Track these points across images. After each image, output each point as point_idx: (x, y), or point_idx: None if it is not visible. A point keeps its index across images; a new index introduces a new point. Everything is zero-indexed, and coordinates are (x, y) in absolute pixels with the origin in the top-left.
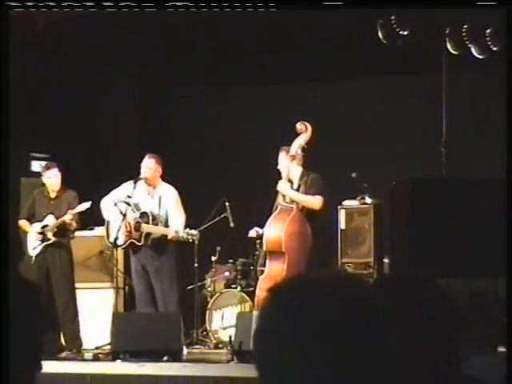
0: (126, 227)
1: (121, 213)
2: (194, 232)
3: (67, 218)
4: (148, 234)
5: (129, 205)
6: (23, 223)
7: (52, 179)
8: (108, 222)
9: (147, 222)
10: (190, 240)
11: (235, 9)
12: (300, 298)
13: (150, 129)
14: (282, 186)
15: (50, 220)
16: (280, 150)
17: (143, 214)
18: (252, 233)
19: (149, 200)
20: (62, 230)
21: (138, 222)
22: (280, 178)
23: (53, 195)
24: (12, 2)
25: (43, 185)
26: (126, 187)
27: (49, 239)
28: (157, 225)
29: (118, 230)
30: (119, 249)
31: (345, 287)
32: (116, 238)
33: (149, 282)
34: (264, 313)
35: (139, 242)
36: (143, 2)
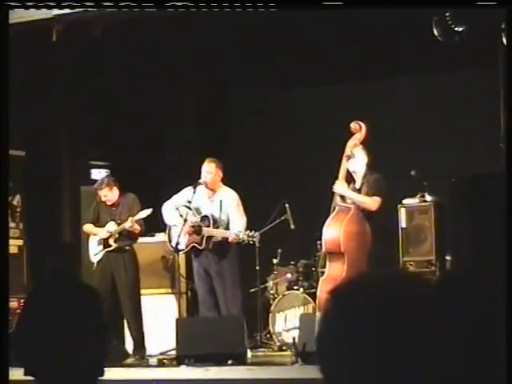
0: (188, 231)
1: (181, 217)
2: (254, 234)
3: (127, 225)
4: (209, 238)
5: (190, 209)
6: (89, 227)
7: (104, 198)
8: (169, 227)
9: (208, 226)
10: (251, 242)
11: (235, 9)
12: (363, 299)
13: (210, 133)
14: (338, 187)
15: (111, 226)
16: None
17: (204, 218)
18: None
19: (209, 204)
20: (124, 236)
21: (199, 226)
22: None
23: (111, 204)
24: (12, 2)
25: None
26: (187, 192)
27: (110, 245)
28: (217, 228)
29: (179, 235)
30: (181, 254)
31: (408, 287)
32: (177, 243)
33: (211, 286)
34: (327, 314)
35: (200, 245)
36: (143, 2)
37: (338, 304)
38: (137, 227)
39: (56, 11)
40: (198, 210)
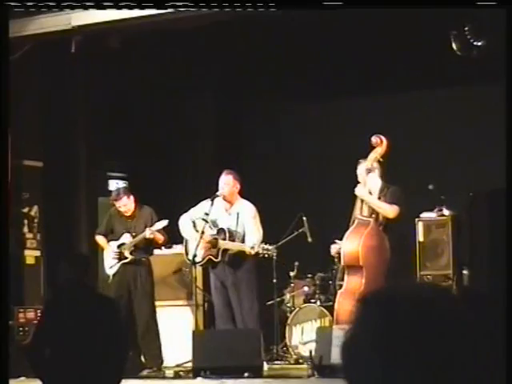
0: (204, 244)
1: (197, 230)
2: (269, 247)
3: (147, 233)
4: (225, 250)
5: (206, 222)
6: (100, 239)
7: (122, 208)
8: (187, 240)
9: (224, 239)
10: (266, 255)
11: (235, 9)
12: (386, 312)
13: (228, 145)
14: (360, 190)
15: (127, 238)
16: (358, 163)
17: (220, 231)
18: (333, 249)
19: (226, 216)
20: (141, 248)
21: (215, 239)
22: None
23: (128, 214)
24: (12, 1)
25: None
26: (204, 204)
27: (126, 257)
28: (233, 241)
29: (196, 247)
30: (198, 266)
31: (430, 299)
32: (194, 256)
33: (228, 298)
34: (352, 328)
35: (216, 258)
36: (143, 2)
37: (364, 317)
38: (160, 236)
39: (74, 22)
40: (214, 223)
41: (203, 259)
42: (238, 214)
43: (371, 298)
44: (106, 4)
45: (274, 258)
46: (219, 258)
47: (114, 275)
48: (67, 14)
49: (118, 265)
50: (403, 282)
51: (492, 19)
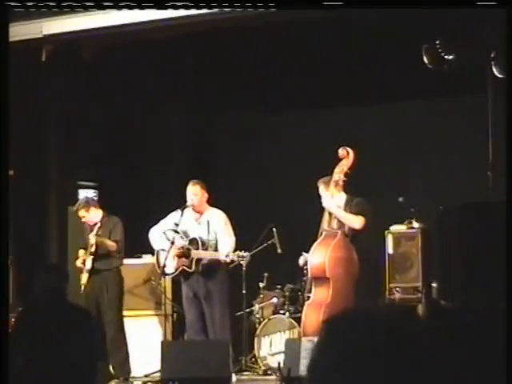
0: (176, 254)
1: (168, 240)
2: (244, 254)
3: (91, 241)
4: (198, 260)
5: (177, 232)
6: (80, 252)
7: (86, 217)
8: (157, 252)
9: (197, 248)
10: (241, 262)
11: (235, 9)
12: (353, 331)
13: (198, 156)
14: (328, 203)
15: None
16: (318, 183)
17: (192, 241)
18: (301, 261)
19: (196, 226)
20: (102, 258)
21: (188, 249)
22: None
23: (95, 225)
24: (12, 1)
25: None
26: (174, 215)
27: (87, 266)
28: (206, 250)
29: (166, 258)
30: (169, 277)
31: (395, 320)
32: (164, 266)
33: (200, 309)
34: (322, 345)
35: (190, 268)
36: (143, 2)
37: (332, 335)
38: (110, 243)
39: (46, 31)
40: (185, 233)
41: (176, 270)
42: (208, 222)
43: (337, 318)
44: (105, 4)
45: (244, 264)
46: (193, 268)
47: (84, 286)
48: (39, 23)
49: (85, 275)
50: (369, 302)
51: (462, 33)
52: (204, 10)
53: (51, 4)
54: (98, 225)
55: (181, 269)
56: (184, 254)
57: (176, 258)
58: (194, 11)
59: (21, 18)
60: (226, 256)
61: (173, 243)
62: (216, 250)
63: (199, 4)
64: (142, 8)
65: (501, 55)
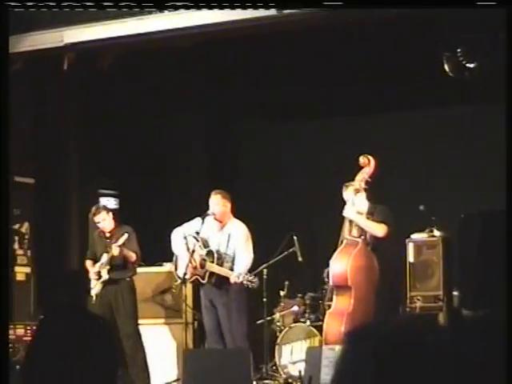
0: (192, 263)
1: (188, 249)
2: (253, 279)
3: (115, 251)
4: (211, 274)
5: (197, 240)
6: (87, 263)
7: (101, 223)
8: (177, 256)
9: (212, 261)
10: (249, 286)
11: (235, 9)
12: (376, 342)
13: (218, 165)
14: (348, 211)
15: (105, 259)
16: (344, 188)
17: (209, 253)
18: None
19: (218, 237)
20: (118, 267)
21: (203, 260)
22: None
23: (107, 234)
24: (12, 1)
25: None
26: (197, 222)
27: (101, 277)
28: (222, 264)
29: (187, 267)
30: (188, 284)
31: (418, 330)
32: (185, 273)
33: (217, 318)
34: (343, 356)
35: (203, 279)
36: (143, 2)
37: (356, 346)
38: (131, 254)
39: (67, 39)
40: (205, 242)
41: (190, 278)
42: (229, 235)
43: (360, 329)
44: (105, 4)
45: (254, 287)
46: (205, 279)
47: (96, 296)
48: (60, 32)
49: (99, 285)
50: (392, 313)
51: (484, 42)
52: (220, 18)
53: (51, 4)
54: (125, 236)
55: (194, 278)
56: (200, 264)
57: (191, 268)
58: (211, 19)
59: (42, 26)
60: (237, 277)
61: (193, 251)
62: (232, 264)
63: (199, 4)
64: (141, 8)
65: None
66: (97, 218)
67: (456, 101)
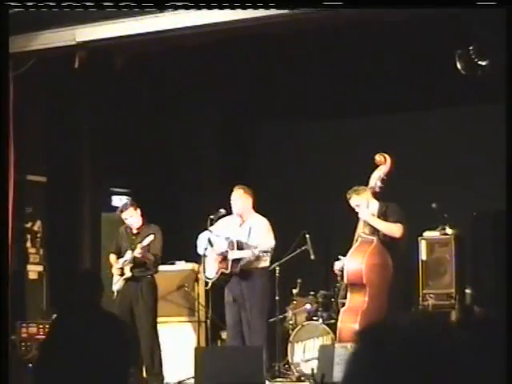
0: (217, 257)
1: (212, 246)
2: (268, 250)
3: (137, 252)
4: (234, 262)
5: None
6: (111, 257)
7: (129, 220)
8: (204, 258)
9: (232, 249)
10: (264, 258)
11: (235, 9)
12: (389, 340)
13: (231, 163)
14: (364, 214)
15: (128, 255)
16: (348, 195)
17: (230, 243)
18: (338, 265)
19: (238, 230)
20: (140, 265)
21: (226, 251)
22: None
23: (134, 231)
24: (12, 1)
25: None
26: (221, 222)
27: (124, 274)
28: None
29: (204, 261)
30: (212, 282)
31: (431, 329)
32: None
33: (239, 314)
34: (358, 355)
35: (226, 269)
36: (143, 1)
37: (369, 344)
38: (150, 257)
39: (79, 37)
40: (227, 238)
41: (216, 274)
42: (250, 228)
43: (374, 327)
44: (106, 4)
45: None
46: (229, 269)
47: (118, 292)
48: (72, 30)
49: (121, 282)
50: (405, 311)
51: (496, 39)
52: (232, 17)
53: (51, 4)
54: (151, 238)
55: (220, 271)
56: (222, 255)
57: (217, 263)
58: (223, 17)
59: (54, 24)
60: (253, 253)
61: (211, 245)
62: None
63: (199, 4)
64: (141, 8)
65: None
66: (124, 215)
67: (469, 99)
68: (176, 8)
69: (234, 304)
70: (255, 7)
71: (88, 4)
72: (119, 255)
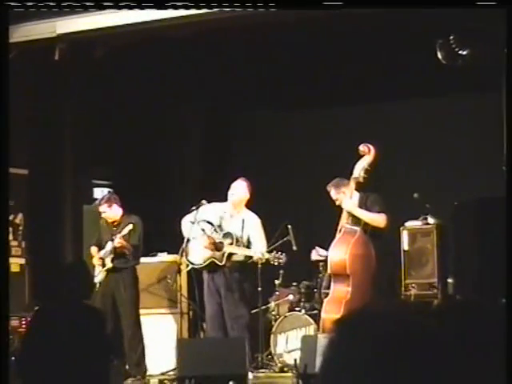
0: (208, 246)
1: (203, 231)
2: (281, 255)
3: (116, 242)
4: (230, 255)
5: (211, 224)
6: (92, 249)
7: (107, 213)
8: (187, 241)
9: (231, 243)
10: (276, 263)
11: (235, 9)
12: (370, 329)
13: (212, 153)
14: (348, 204)
15: (109, 246)
16: (328, 188)
17: (227, 235)
18: (314, 255)
19: (231, 221)
20: (121, 256)
21: (221, 242)
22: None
23: (115, 223)
24: (12, 1)
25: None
26: (209, 207)
27: (105, 265)
28: (239, 246)
29: (197, 251)
30: (198, 268)
31: (412, 317)
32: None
33: (220, 305)
34: (335, 342)
35: (220, 262)
36: (143, 1)
37: (348, 333)
38: (128, 246)
39: (60, 29)
40: (219, 227)
41: (205, 261)
42: (243, 220)
43: (355, 317)
44: (106, 4)
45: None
46: (223, 261)
47: (99, 283)
48: (52, 22)
49: (102, 273)
50: (387, 299)
51: (476, 28)
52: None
53: (51, 4)
54: (130, 227)
55: (210, 261)
56: (216, 246)
57: (207, 250)
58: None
59: (34, 17)
60: (262, 255)
61: (207, 235)
62: (248, 248)
63: (199, 4)
64: (142, 8)
65: None
66: (102, 208)
67: (449, 88)
68: (176, 8)
69: (217, 295)
70: (255, 7)
71: (88, 4)
72: (100, 247)
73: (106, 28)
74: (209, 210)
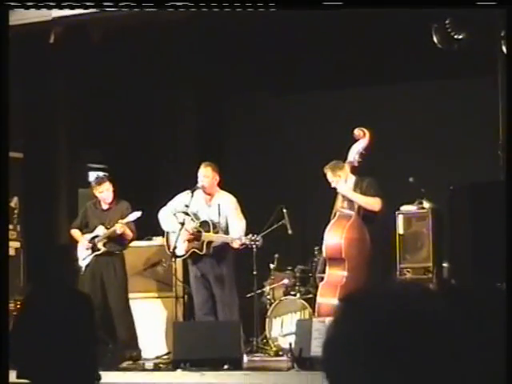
0: (187, 237)
1: (180, 223)
2: (257, 237)
3: (118, 229)
4: (209, 243)
5: (187, 214)
6: (74, 232)
7: (104, 193)
8: (167, 233)
9: (208, 231)
10: (254, 246)
11: (235, 9)
12: (367, 310)
13: (206, 137)
14: (343, 188)
15: (101, 231)
16: (325, 170)
17: (203, 223)
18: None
19: (207, 209)
20: (114, 241)
21: (198, 232)
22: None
23: (105, 207)
24: (12, 1)
25: (96, 196)
26: (184, 197)
27: (99, 249)
28: (217, 233)
29: (176, 240)
30: (180, 259)
31: (411, 298)
32: (175, 247)
33: (210, 291)
34: (336, 323)
35: (201, 251)
36: (143, 1)
37: (348, 314)
38: (128, 232)
39: (55, 13)
40: (196, 216)
41: (186, 252)
42: (218, 205)
43: (353, 297)
44: (105, 4)
45: (258, 247)
46: (204, 250)
47: (86, 267)
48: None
49: (91, 257)
50: (385, 280)
51: (472, 13)
52: None
53: (51, 4)
54: (138, 214)
55: (191, 251)
56: (195, 236)
57: (186, 241)
58: None
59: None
60: (239, 240)
61: (183, 224)
62: (226, 233)
63: (199, 4)
64: (142, 8)
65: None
66: (101, 188)
67: (446, 72)
68: (176, 8)
69: (204, 280)
70: (255, 7)
71: (88, 4)
72: (82, 230)
73: (101, 11)
74: (184, 199)
